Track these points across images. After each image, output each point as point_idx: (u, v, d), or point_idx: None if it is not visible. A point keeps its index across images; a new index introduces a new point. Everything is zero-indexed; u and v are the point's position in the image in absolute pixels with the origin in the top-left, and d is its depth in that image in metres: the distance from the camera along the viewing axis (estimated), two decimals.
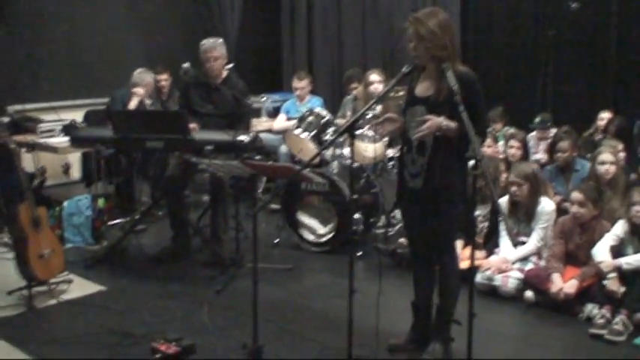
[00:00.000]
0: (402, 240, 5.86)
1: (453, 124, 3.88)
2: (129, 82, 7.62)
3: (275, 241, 6.57)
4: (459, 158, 3.97)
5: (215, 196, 6.17)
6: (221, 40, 6.35)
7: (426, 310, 4.43)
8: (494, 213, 5.67)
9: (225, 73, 6.26)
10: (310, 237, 6.43)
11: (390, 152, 6.79)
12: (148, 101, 7.65)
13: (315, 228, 6.42)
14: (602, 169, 5.66)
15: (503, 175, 6.07)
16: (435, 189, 4.05)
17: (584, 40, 8.36)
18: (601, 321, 4.77)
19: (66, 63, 8.82)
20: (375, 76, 7.34)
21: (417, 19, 3.95)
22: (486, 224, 5.78)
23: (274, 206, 7.14)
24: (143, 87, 7.52)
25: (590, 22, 8.26)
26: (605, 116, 7.23)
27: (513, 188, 5.46)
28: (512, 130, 7.28)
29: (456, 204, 4.12)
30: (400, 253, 5.81)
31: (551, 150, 6.46)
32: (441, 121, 3.90)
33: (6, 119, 7.38)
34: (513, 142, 6.46)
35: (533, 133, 7.43)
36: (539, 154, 7.14)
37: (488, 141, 6.72)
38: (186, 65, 6.12)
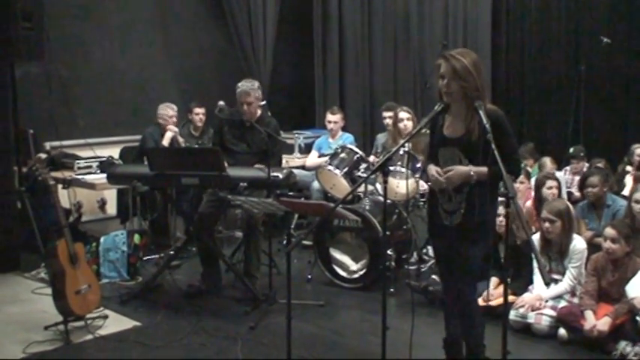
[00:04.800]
0: (434, 277, 5.84)
1: (483, 170, 3.87)
2: (156, 119, 7.85)
3: (307, 277, 6.60)
4: (493, 195, 3.99)
5: (248, 232, 6.22)
6: (256, 84, 6.31)
7: (458, 347, 4.41)
8: (524, 251, 5.65)
9: (259, 112, 6.33)
10: (342, 273, 6.45)
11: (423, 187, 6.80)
12: (180, 138, 7.77)
13: (348, 264, 6.44)
14: (637, 207, 5.63)
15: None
16: (474, 225, 4.04)
17: (616, 75, 8.38)
18: (634, 358, 4.72)
19: (102, 100, 9.01)
20: (404, 114, 7.38)
21: (452, 56, 3.97)
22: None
23: (306, 242, 7.17)
24: (170, 120, 7.69)
25: (621, 56, 8.28)
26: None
27: (546, 225, 5.43)
28: (548, 162, 7.26)
29: (489, 240, 4.13)
30: (432, 290, 5.79)
31: (582, 185, 6.44)
32: (467, 170, 3.91)
33: (44, 155, 7.53)
34: (552, 183, 6.39)
35: (568, 167, 7.43)
36: (573, 189, 7.12)
37: (521, 177, 6.71)
38: (221, 103, 6.23)
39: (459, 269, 4.22)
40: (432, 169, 4.09)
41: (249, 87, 6.20)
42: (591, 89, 8.21)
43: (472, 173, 3.90)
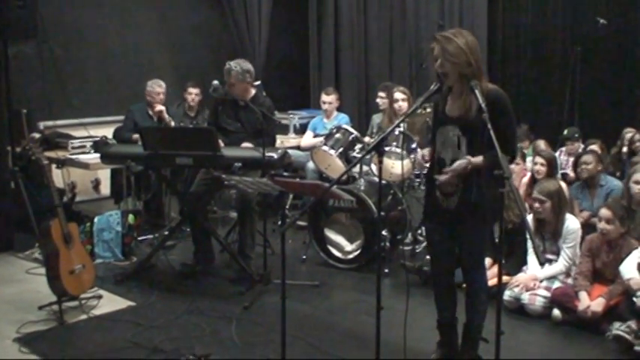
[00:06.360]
0: (429, 257, 5.84)
1: (478, 160, 3.92)
2: (145, 96, 7.81)
3: (302, 258, 6.60)
4: (492, 176, 3.97)
5: (242, 212, 6.21)
6: (240, 67, 6.13)
7: (451, 327, 4.43)
8: (519, 232, 5.66)
9: (252, 92, 6.30)
10: (337, 254, 6.45)
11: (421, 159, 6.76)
12: (167, 116, 7.68)
13: (342, 245, 6.44)
14: (635, 188, 5.61)
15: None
16: (471, 207, 4.05)
17: (612, 56, 8.36)
18: (627, 329, 4.73)
19: (96, 80, 8.96)
20: (399, 94, 7.36)
21: (443, 37, 3.97)
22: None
23: (301, 223, 7.17)
24: (157, 98, 7.66)
25: (617, 37, 8.25)
26: (629, 134, 7.19)
27: (536, 205, 5.42)
28: (542, 145, 7.26)
29: (488, 221, 4.13)
30: (427, 271, 5.78)
31: (575, 164, 6.44)
32: (465, 164, 3.94)
33: (37, 135, 7.50)
34: (538, 159, 6.42)
35: (563, 149, 7.42)
36: (568, 170, 7.12)
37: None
38: (215, 83, 6.19)
39: (464, 253, 4.24)
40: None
41: (233, 67, 6.12)
42: (587, 70, 8.20)
43: (469, 167, 3.94)
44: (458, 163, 3.98)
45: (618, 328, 4.75)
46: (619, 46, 8.30)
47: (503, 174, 3.49)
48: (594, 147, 6.76)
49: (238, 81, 6.12)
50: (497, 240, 5.02)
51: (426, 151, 6.55)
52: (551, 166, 6.38)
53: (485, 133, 3.71)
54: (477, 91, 3.81)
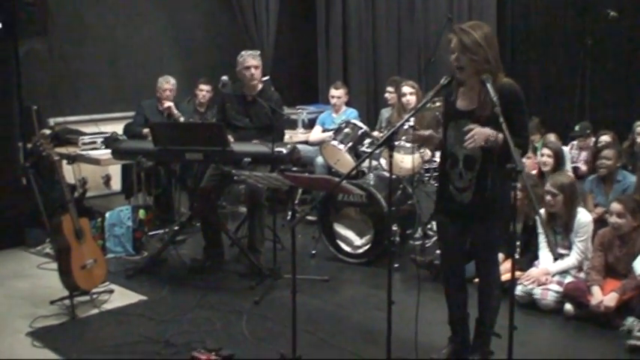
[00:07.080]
0: (439, 251, 5.83)
1: (501, 136, 3.76)
2: (155, 92, 7.84)
3: (312, 253, 6.60)
4: (505, 170, 3.95)
5: (251, 207, 6.21)
6: (259, 51, 6.42)
7: (463, 323, 4.41)
8: (531, 227, 5.64)
9: (260, 86, 6.32)
10: (347, 248, 6.44)
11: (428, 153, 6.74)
12: (176, 111, 7.70)
13: (352, 239, 6.44)
14: None
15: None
16: (485, 202, 4.01)
17: (622, 49, 8.32)
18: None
19: (106, 76, 8.99)
20: (407, 88, 7.33)
21: (462, 30, 3.90)
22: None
23: (311, 217, 7.16)
24: (164, 94, 7.69)
25: (627, 30, 8.22)
26: None
27: (548, 197, 5.38)
28: (552, 139, 7.24)
29: (502, 216, 4.10)
30: (437, 265, 5.77)
31: (594, 159, 6.39)
32: (489, 132, 3.82)
33: (48, 131, 7.54)
34: (545, 151, 6.38)
35: (575, 142, 7.39)
36: (580, 164, 7.09)
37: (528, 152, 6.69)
38: (224, 78, 6.20)
39: (478, 248, 4.23)
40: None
41: (253, 52, 6.32)
42: (598, 63, 8.16)
43: (492, 137, 3.81)
44: (485, 129, 3.86)
45: (633, 336, 4.68)
46: (629, 38, 8.26)
47: (516, 167, 3.47)
48: (607, 137, 6.72)
49: (261, 64, 6.27)
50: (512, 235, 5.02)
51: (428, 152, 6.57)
52: (558, 157, 6.35)
53: (498, 127, 3.68)
54: (488, 85, 3.78)
